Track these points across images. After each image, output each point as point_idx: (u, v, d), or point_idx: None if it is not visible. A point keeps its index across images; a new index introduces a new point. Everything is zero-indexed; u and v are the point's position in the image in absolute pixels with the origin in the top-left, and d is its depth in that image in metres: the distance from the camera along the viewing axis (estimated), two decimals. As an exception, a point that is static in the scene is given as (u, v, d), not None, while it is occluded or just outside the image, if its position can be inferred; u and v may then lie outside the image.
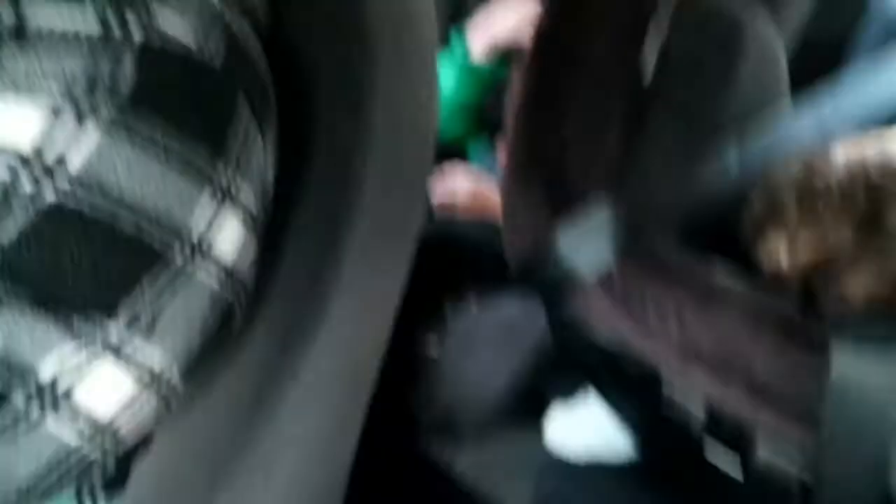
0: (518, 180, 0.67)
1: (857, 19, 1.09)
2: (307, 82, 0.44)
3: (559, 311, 0.68)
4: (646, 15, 0.70)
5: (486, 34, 1.26)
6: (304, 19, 0.44)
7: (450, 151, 1.32)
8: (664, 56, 0.69)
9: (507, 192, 0.68)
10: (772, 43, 0.78)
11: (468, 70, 1.26)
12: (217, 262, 0.37)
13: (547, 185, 0.66)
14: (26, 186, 0.32)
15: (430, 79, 0.50)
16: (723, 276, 0.65)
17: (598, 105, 0.68)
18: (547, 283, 0.66)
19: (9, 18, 0.33)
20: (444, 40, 1.29)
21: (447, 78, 1.29)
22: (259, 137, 0.39)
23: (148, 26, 0.35)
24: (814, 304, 0.64)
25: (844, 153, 0.68)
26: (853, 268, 0.63)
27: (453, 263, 1.02)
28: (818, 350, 0.57)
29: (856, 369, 0.55)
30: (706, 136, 0.70)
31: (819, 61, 1.03)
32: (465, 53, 1.27)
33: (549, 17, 0.70)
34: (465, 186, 1.20)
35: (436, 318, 0.94)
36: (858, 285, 0.63)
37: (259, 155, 0.39)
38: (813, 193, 0.65)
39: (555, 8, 0.70)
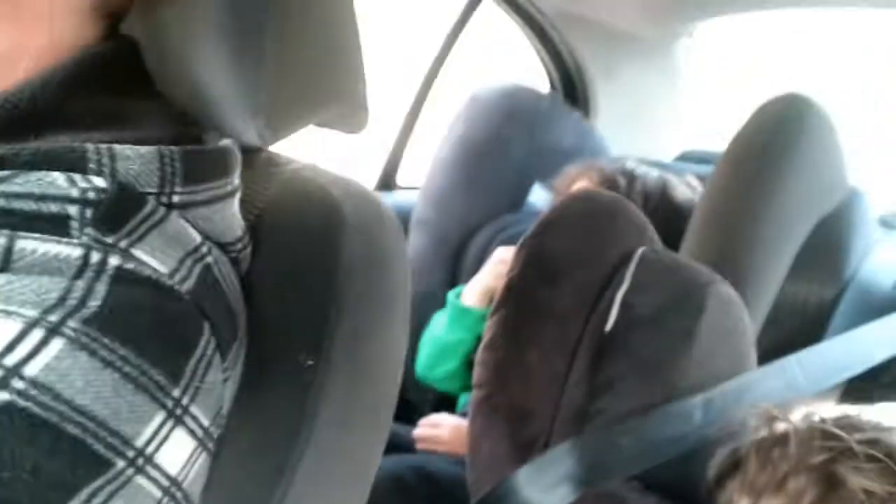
0: (483, 414, 0.69)
1: (835, 291, 1.11)
2: (274, 313, 0.46)
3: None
4: (610, 270, 0.75)
5: (477, 280, 1.33)
6: (280, 256, 0.47)
7: (438, 394, 1.35)
8: (626, 308, 0.73)
9: (473, 425, 0.70)
10: (735, 307, 0.79)
11: (459, 311, 1.31)
12: (162, 471, 0.37)
13: (511, 421, 0.68)
14: None
15: (400, 321, 0.52)
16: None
17: (560, 349, 0.71)
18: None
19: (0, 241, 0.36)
20: (441, 303, 1.36)
21: (440, 319, 1.34)
22: (219, 363, 0.41)
23: (126, 254, 0.37)
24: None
25: (805, 408, 0.70)
26: None
27: (430, 499, 1.01)
28: None
29: None
30: (665, 388, 0.71)
31: (795, 332, 1.04)
32: (457, 296, 1.33)
33: (519, 268, 0.75)
34: (449, 424, 1.22)
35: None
36: None
37: (216, 378, 0.41)
38: (771, 442, 0.67)
39: (525, 259, 0.76)
